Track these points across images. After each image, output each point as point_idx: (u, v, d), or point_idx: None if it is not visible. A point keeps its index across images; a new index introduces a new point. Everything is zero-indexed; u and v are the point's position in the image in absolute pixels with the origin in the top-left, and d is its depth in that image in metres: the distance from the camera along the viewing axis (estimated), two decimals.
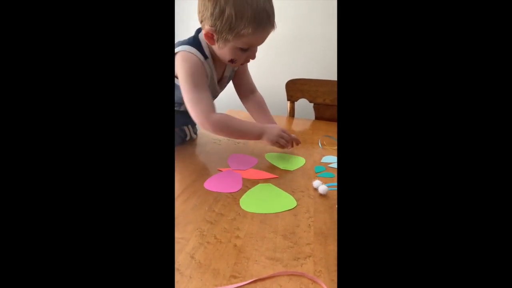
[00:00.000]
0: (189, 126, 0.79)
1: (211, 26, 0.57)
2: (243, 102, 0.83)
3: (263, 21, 0.56)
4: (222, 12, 0.54)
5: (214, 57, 0.67)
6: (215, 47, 0.62)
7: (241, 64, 0.68)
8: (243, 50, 0.61)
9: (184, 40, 0.66)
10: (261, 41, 0.61)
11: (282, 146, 0.69)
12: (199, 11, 0.58)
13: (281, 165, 0.67)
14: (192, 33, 0.68)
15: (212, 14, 0.55)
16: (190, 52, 0.63)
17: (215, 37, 0.58)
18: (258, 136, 0.67)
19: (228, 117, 0.64)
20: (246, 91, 0.81)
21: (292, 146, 0.72)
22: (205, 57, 0.65)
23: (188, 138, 0.79)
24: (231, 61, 0.63)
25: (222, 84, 0.75)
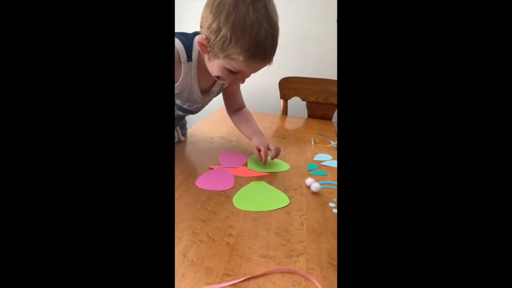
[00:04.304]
0: (177, 129, 0.78)
1: (206, 38, 0.54)
2: (230, 116, 0.82)
3: (258, 55, 0.52)
4: (218, 29, 0.51)
5: (203, 66, 0.63)
6: (205, 58, 0.59)
7: (229, 83, 0.65)
8: (232, 72, 0.56)
9: (181, 33, 0.63)
10: (252, 72, 0.57)
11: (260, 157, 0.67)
12: (201, 17, 0.55)
13: (257, 169, 0.65)
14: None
15: (209, 27, 0.52)
16: (175, 47, 0.61)
17: (207, 48, 0.56)
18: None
19: None
20: (234, 108, 0.81)
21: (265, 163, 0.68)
22: (189, 59, 0.63)
23: (176, 140, 0.78)
24: (218, 77, 0.60)
25: (206, 96, 0.72)
